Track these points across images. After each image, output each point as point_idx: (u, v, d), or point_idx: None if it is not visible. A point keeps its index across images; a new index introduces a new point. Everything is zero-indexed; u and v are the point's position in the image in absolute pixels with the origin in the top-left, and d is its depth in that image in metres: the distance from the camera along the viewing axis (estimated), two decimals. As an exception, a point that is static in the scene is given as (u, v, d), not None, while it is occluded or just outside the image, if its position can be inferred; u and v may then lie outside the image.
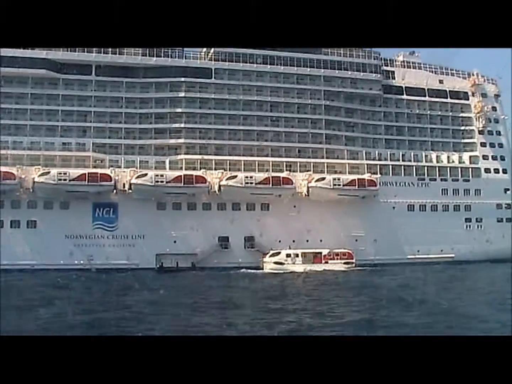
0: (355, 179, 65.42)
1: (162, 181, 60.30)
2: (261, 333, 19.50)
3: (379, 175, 67.66)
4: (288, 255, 59.89)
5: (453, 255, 67.18)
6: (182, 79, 64.95)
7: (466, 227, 71.45)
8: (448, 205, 70.96)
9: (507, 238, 69.14)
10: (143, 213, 60.26)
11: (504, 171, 74.38)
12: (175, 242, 61.17)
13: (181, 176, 60.85)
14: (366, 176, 66.77)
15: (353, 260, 60.83)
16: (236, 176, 62.29)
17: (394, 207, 67.78)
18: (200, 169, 63.00)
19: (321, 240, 63.09)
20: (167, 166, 63.31)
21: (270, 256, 59.79)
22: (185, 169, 63.05)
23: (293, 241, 62.33)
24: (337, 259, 60.62)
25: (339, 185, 64.58)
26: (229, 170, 63.83)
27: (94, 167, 61.34)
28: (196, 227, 61.39)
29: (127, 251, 59.99)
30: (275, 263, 59.14)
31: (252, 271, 56.42)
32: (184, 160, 63.78)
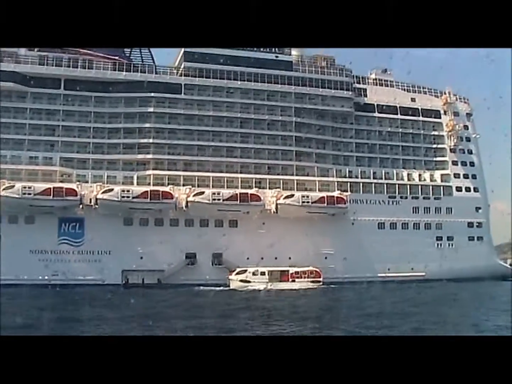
0: (324, 196, 65.24)
1: (128, 197, 59.85)
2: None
3: (349, 193, 67.53)
4: (254, 273, 59.34)
5: (423, 274, 66.89)
6: (152, 94, 64.68)
7: (437, 245, 71.36)
8: (419, 223, 70.90)
9: (479, 257, 69.21)
10: (109, 228, 59.70)
11: (476, 190, 74.56)
12: (141, 258, 60.54)
13: (147, 191, 60.48)
14: (336, 193, 66.61)
15: (321, 279, 60.39)
16: (203, 192, 61.98)
17: (364, 225, 67.49)
18: (168, 184, 62.64)
19: (290, 258, 62.68)
20: (135, 181, 62.88)
21: (236, 273, 59.26)
22: (153, 185, 62.71)
23: (262, 258, 61.83)
24: (304, 277, 60.18)
25: (308, 202, 64.38)
26: (198, 186, 63.51)
27: (61, 181, 60.80)
28: (163, 243, 60.87)
29: (93, 266, 59.41)
30: (241, 281, 58.62)
31: (217, 288, 55.79)
32: (152, 176, 63.41)
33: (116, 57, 65.20)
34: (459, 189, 73.83)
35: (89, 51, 63.11)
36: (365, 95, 72.82)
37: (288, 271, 60.19)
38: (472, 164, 75.40)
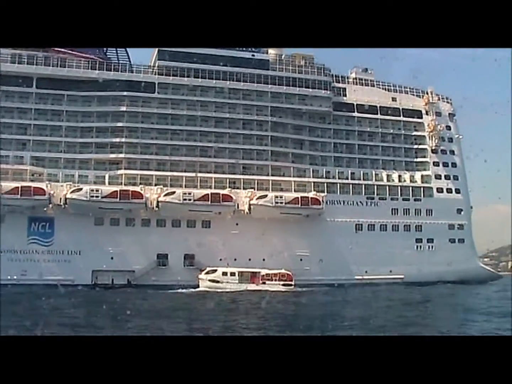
0: (298, 197, 64.21)
1: (97, 196, 59.17)
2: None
3: (324, 194, 66.46)
4: (224, 273, 58.47)
5: (402, 276, 65.81)
6: (125, 93, 63.99)
7: (417, 247, 70.17)
8: (398, 225, 69.71)
9: (459, 260, 68.06)
10: (80, 228, 59.18)
11: (457, 191, 73.23)
12: (112, 258, 59.94)
13: (117, 191, 59.79)
14: (311, 194, 65.58)
15: (292, 282, 59.27)
16: (174, 192, 61.19)
17: (341, 226, 66.45)
18: (141, 184, 61.96)
19: (264, 259, 61.74)
20: (107, 181, 62.21)
21: (206, 273, 58.34)
22: (125, 184, 62.07)
23: (235, 259, 61.05)
24: (275, 280, 59.16)
25: (282, 203, 63.39)
26: (171, 186, 62.77)
27: (32, 180, 60.27)
28: (134, 244, 60.30)
29: (63, 266, 58.79)
30: (210, 280, 57.75)
31: (185, 290, 54.94)
32: (124, 175, 62.70)
33: (91, 56, 64.67)
34: (440, 190, 72.55)
35: (63, 49, 62.51)
36: (345, 95, 71.72)
37: (259, 273, 59.14)
38: (454, 165, 74.05)
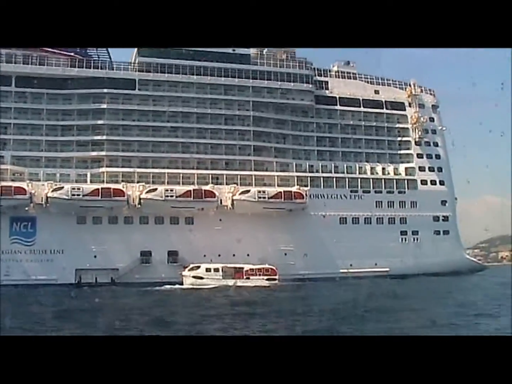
0: (281, 192, 64.10)
1: (78, 195, 58.92)
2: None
3: (308, 188, 66.36)
4: (208, 269, 58.24)
5: (387, 269, 65.84)
6: (105, 90, 63.64)
7: (402, 240, 70.21)
8: (382, 218, 69.69)
9: (445, 251, 68.22)
10: (62, 227, 58.91)
11: (442, 183, 73.25)
12: (95, 257, 59.74)
13: (98, 189, 59.54)
14: (294, 188, 65.46)
15: (276, 276, 59.16)
16: (156, 189, 60.97)
17: (325, 220, 66.38)
18: (123, 182, 61.70)
19: (248, 255, 61.62)
20: (88, 179, 61.90)
21: (190, 269, 58.17)
22: (107, 182, 61.76)
23: (219, 255, 60.92)
24: (259, 274, 59.06)
25: (264, 197, 63.25)
26: (153, 183, 62.58)
27: (13, 180, 59.91)
28: (117, 242, 60.09)
29: (46, 266, 58.55)
30: (194, 277, 57.60)
31: (172, 286, 54.81)
32: (105, 173, 62.39)
33: (71, 54, 64.28)
34: (424, 182, 72.54)
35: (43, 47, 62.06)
36: (327, 88, 71.54)
37: (242, 268, 59.01)
38: (438, 156, 74.06)
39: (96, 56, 67.97)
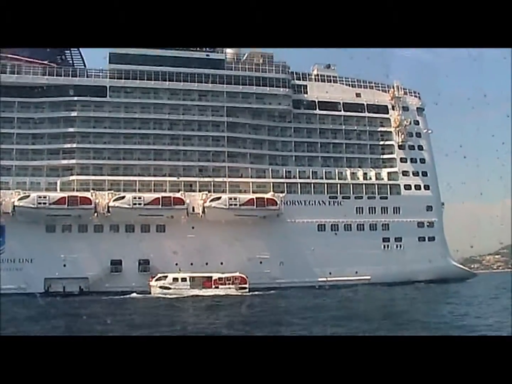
0: (253, 199, 62.65)
1: (45, 203, 58.37)
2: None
3: (283, 194, 64.81)
4: (175, 279, 57.12)
5: (369, 277, 63.92)
6: (76, 98, 63.15)
7: (384, 247, 68.07)
8: (363, 224, 67.65)
9: (430, 258, 65.94)
10: (31, 236, 58.33)
11: (427, 187, 70.86)
12: (65, 265, 59.09)
13: (65, 197, 58.90)
14: (268, 195, 63.95)
15: (246, 285, 57.72)
16: (124, 197, 60.15)
17: (303, 227, 64.70)
18: (94, 190, 61.03)
19: (222, 263, 60.40)
20: (58, 187, 61.34)
21: (157, 279, 57.13)
22: (78, 190, 61.13)
23: (191, 264, 59.82)
24: (229, 283, 57.68)
25: (236, 204, 61.88)
26: (124, 190, 61.73)
27: (-18, 189, 59.70)
28: (87, 250, 59.40)
29: (14, 275, 57.96)
30: (161, 287, 56.52)
31: (136, 295, 53.94)
32: (76, 181, 61.78)
33: (45, 61, 64.02)
34: (408, 187, 70.23)
35: (17, 56, 61.89)
36: (306, 92, 69.92)
37: (211, 277, 57.69)
38: (422, 160, 71.69)
39: (71, 62, 67.63)
